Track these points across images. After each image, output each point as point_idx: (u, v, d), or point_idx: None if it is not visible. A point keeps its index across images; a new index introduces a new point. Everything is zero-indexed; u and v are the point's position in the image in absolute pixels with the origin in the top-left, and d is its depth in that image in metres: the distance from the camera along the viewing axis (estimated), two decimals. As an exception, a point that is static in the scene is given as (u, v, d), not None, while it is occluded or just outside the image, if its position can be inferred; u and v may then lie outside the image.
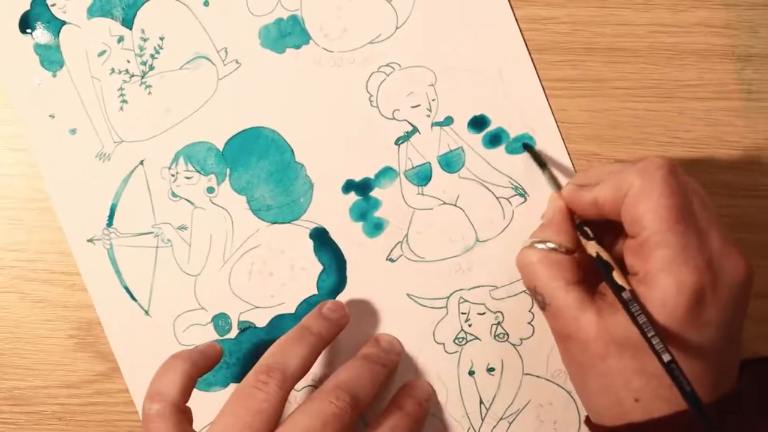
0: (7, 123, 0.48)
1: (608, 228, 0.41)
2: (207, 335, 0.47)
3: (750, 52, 0.47)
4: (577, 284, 0.39)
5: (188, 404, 0.42)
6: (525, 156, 0.47)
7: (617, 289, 0.37)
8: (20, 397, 0.47)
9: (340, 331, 0.45)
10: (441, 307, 0.47)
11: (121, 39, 0.47)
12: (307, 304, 0.47)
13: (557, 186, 0.44)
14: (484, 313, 0.47)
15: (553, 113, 0.47)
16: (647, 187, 0.37)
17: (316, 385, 0.47)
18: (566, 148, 0.47)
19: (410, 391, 0.46)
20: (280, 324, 0.47)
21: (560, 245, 0.40)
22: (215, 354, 0.43)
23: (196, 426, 0.44)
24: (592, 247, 0.39)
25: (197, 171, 0.47)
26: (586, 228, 0.40)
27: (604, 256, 0.38)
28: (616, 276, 0.37)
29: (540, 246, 0.41)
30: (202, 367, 0.42)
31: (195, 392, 0.46)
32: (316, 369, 0.47)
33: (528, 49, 0.47)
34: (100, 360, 0.47)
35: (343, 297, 0.47)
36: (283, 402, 0.41)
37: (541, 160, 0.46)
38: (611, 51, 0.47)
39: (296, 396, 0.47)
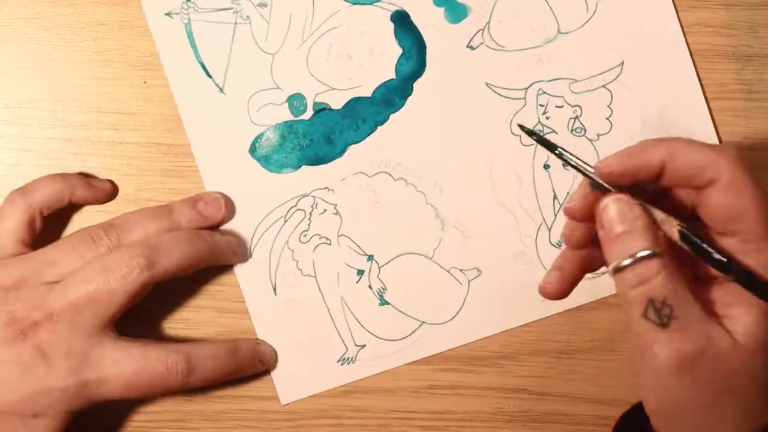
0: (8, 123, 0.46)
1: None
2: (281, 115, 0.46)
3: (750, 52, 0.47)
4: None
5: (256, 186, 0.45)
6: None
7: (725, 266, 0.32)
8: None
9: (205, 226, 0.45)
10: (519, 98, 0.47)
11: None
12: (385, 89, 0.46)
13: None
14: (562, 107, 0.47)
15: None
16: (745, 182, 0.32)
17: (389, 172, 0.47)
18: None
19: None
20: (356, 107, 0.46)
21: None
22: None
23: (265, 207, 0.46)
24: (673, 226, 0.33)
25: (279, -50, 0.46)
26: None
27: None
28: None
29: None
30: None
31: (266, 174, 0.46)
32: (388, 154, 0.46)
33: None
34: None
35: (420, 83, 0.46)
36: None
37: (548, 142, 0.36)
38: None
39: (369, 182, 0.47)
